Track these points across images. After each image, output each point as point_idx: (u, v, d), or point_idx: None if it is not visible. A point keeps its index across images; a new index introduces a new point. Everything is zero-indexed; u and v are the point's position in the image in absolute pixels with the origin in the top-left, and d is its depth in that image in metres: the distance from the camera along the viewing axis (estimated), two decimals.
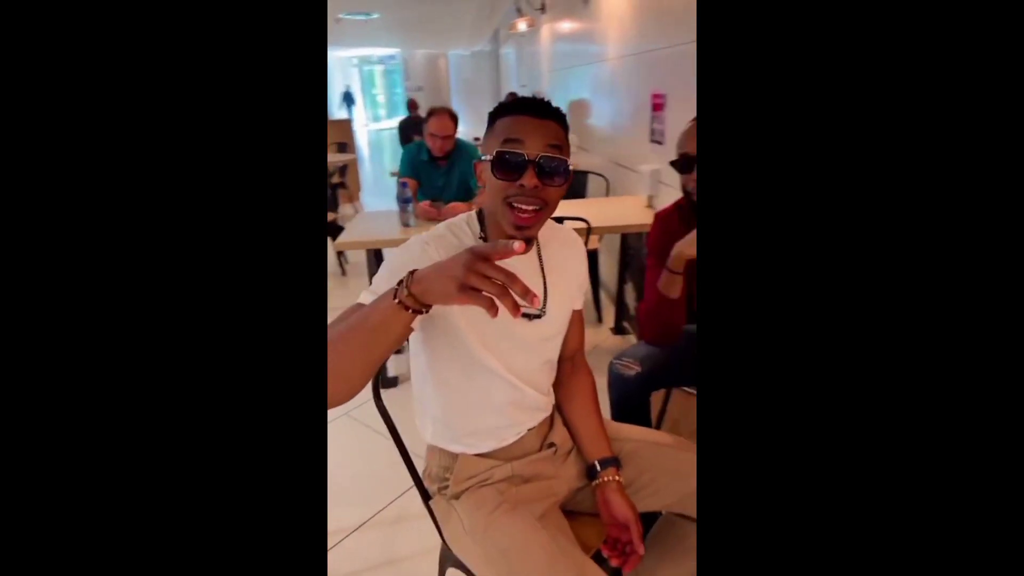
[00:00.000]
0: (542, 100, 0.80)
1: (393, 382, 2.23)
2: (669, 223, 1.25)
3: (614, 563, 0.87)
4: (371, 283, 0.78)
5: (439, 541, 0.97)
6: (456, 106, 2.59)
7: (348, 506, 1.54)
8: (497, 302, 0.55)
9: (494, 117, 0.80)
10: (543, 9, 4.28)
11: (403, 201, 2.10)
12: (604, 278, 2.89)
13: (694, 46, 1.68)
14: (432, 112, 2.30)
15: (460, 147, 2.40)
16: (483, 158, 0.79)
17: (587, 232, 1.98)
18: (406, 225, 2.12)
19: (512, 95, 5.47)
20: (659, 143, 2.10)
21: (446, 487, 0.89)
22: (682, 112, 1.87)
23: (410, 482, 1.06)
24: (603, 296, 2.78)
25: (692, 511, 0.93)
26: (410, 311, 0.60)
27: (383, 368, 2.14)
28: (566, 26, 3.89)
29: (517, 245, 0.54)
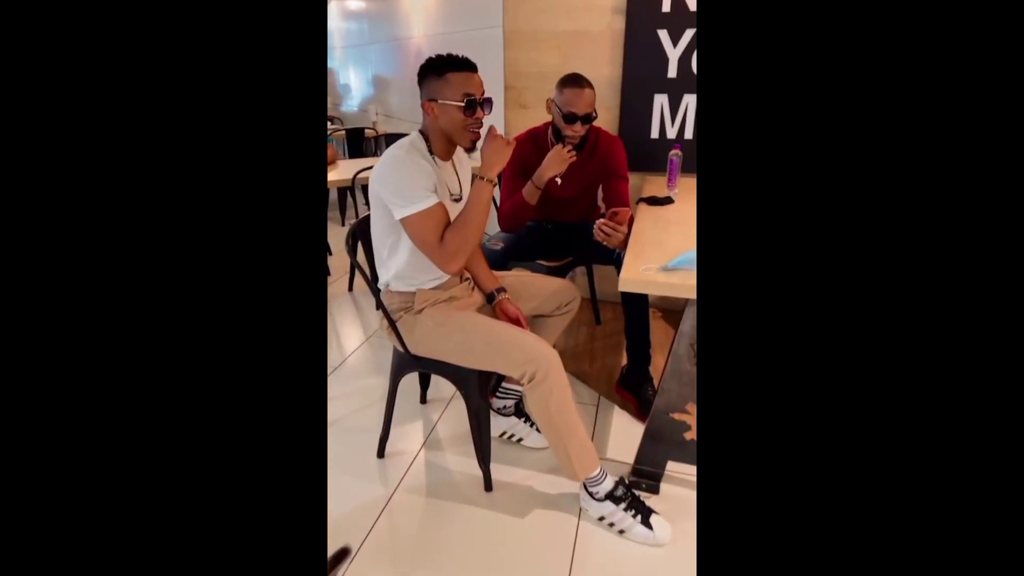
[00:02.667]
0: (468, 59, 1.29)
1: None
2: (523, 146, 1.84)
3: None
4: (400, 198, 1.21)
5: (360, 405, 1.50)
6: None
7: None
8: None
9: (441, 70, 1.23)
10: None
11: None
12: None
13: (498, 30, 2.32)
14: None
15: None
16: (439, 100, 1.24)
17: None
18: None
19: None
20: None
21: (410, 308, 1.37)
22: (490, 79, 2.50)
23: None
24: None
25: (546, 311, 1.58)
26: (494, 184, 1.23)
27: None
28: (355, 5, 4.21)
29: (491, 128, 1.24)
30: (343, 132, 4.06)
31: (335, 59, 5.14)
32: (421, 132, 1.33)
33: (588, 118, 1.70)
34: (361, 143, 3.83)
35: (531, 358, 1.24)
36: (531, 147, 1.84)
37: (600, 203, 1.91)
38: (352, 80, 4.86)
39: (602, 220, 1.47)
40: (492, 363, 1.31)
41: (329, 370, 2.04)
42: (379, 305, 1.39)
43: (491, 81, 2.51)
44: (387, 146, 2.07)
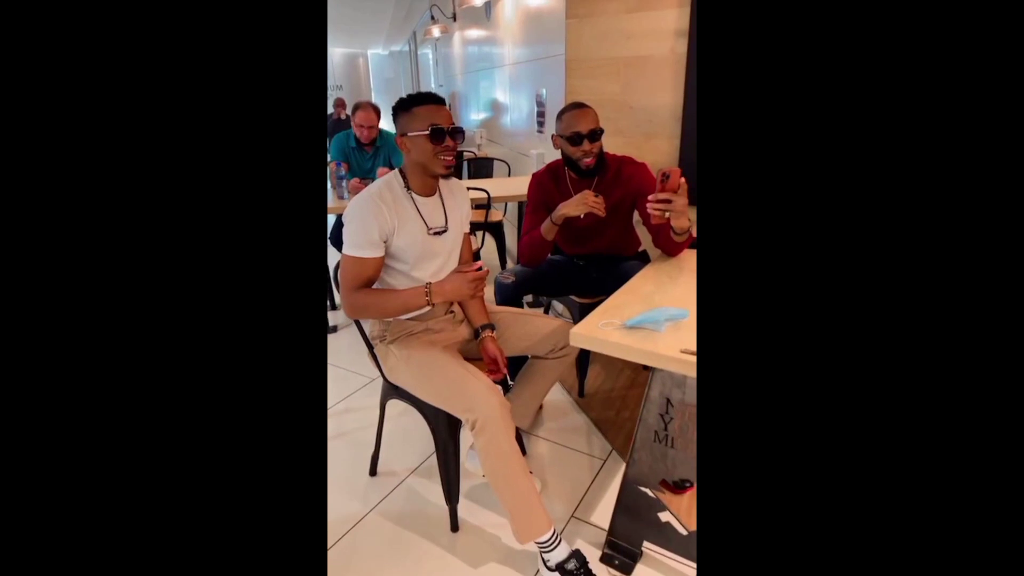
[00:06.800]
0: (435, 94, 1.32)
1: (334, 329, 2.69)
2: (542, 180, 1.82)
3: (491, 378, 1.42)
4: (348, 236, 1.26)
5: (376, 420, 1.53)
6: (379, 102, 2.93)
7: None
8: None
9: (408, 107, 1.28)
10: (454, 18, 4.81)
11: (339, 178, 2.56)
12: (509, 244, 3.47)
13: (562, 58, 2.29)
14: (358, 106, 2.76)
15: (383, 135, 2.88)
16: (409, 134, 1.27)
17: (488, 200, 2.54)
18: (341, 197, 2.58)
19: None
20: (542, 133, 2.71)
21: (385, 338, 1.41)
22: (555, 107, 2.47)
23: (353, 389, 1.64)
24: (508, 259, 3.36)
25: (540, 353, 1.50)
26: (428, 304, 1.29)
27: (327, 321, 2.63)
28: (473, 33, 4.44)
29: (479, 267, 1.24)
30: None
31: (458, 83, 5.47)
32: (400, 170, 1.36)
33: (594, 134, 1.63)
34: (459, 167, 4.02)
35: (473, 405, 1.19)
36: (550, 181, 1.78)
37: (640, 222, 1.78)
38: (471, 104, 5.12)
39: (651, 196, 1.36)
40: (441, 402, 1.28)
41: (364, 383, 2.16)
42: (360, 330, 1.44)
43: (555, 110, 2.47)
44: (473, 170, 1.95)
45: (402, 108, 1.29)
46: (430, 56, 8.79)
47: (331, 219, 2.95)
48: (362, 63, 14.73)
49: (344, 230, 1.29)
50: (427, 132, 1.25)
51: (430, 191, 1.38)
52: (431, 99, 1.28)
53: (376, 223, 1.26)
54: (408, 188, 1.34)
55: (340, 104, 6.54)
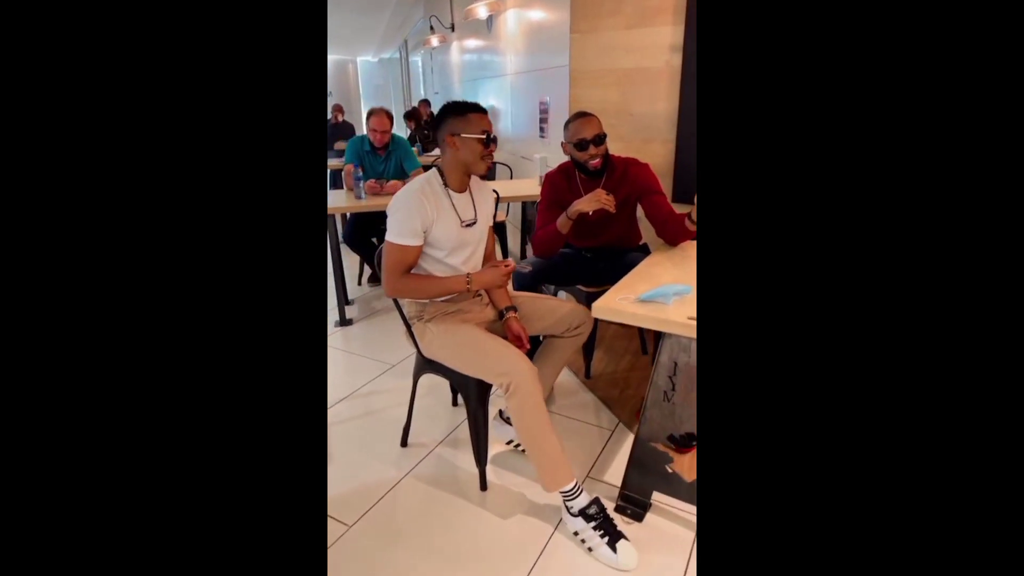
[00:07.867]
0: (480, 104, 1.50)
1: (349, 322, 2.85)
2: (555, 179, 2.01)
3: None
4: (393, 226, 1.44)
5: (404, 400, 1.71)
6: (367, 108, 3.09)
7: (334, 388, 2.16)
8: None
9: (463, 112, 1.45)
10: (452, 28, 5.01)
11: (356, 179, 2.73)
12: (510, 245, 3.65)
13: (566, 69, 2.49)
14: (373, 112, 2.93)
15: (395, 139, 3.05)
16: (463, 135, 1.44)
17: (496, 200, 2.73)
18: (359, 198, 2.75)
19: (425, 101, 6.15)
20: (544, 138, 2.90)
21: (422, 317, 1.58)
22: (558, 114, 2.67)
23: (376, 374, 1.82)
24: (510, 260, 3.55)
25: (556, 332, 1.69)
26: (468, 290, 1.49)
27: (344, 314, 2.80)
28: (473, 43, 4.64)
29: (509, 265, 1.44)
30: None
31: (456, 90, 5.66)
32: (438, 168, 1.54)
33: (599, 139, 1.83)
34: None
35: (507, 370, 1.37)
36: (562, 180, 1.97)
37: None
38: None
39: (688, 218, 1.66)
40: (477, 370, 1.46)
41: (385, 368, 2.33)
42: (400, 311, 1.61)
43: (559, 117, 2.68)
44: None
45: (456, 112, 1.46)
46: (419, 64, 8.99)
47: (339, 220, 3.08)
48: (351, 69, 14.87)
49: (389, 220, 1.46)
50: (482, 136, 1.44)
51: (463, 188, 1.56)
52: (481, 108, 1.47)
53: (419, 215, 1.44)
54: (446, 185, 1.52)
55: (338, 109, 6.68)
